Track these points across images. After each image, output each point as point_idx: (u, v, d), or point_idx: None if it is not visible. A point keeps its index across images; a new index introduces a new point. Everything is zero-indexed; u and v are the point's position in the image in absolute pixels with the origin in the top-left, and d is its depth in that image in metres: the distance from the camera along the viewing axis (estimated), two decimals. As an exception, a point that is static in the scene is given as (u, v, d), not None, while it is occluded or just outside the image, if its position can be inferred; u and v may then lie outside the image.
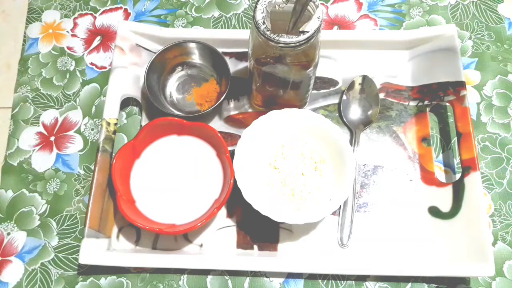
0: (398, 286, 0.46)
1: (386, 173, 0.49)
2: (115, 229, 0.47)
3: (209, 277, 0.46)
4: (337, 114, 0.52)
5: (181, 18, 0.59)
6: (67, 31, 0.59)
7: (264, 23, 0.38)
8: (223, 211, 0.48)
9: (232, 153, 0.46)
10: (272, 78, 0.44)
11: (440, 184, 0.48)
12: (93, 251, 0.44)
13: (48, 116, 0.54)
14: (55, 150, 0.52)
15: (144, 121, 0.53)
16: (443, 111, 0.52)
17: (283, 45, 0.38)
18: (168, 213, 0.46)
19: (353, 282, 0.46)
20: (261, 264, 0.44)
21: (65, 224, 0.49)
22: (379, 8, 0.59)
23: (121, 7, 0.60)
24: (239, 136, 0.47)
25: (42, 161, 0.52)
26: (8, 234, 0.49)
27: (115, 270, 0.47)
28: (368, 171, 0.50)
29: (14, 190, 0.51)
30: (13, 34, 0.61)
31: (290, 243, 0.47)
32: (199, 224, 0.42)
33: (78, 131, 0.53)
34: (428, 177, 0.49)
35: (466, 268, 0.42)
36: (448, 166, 0.50)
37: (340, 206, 0.47)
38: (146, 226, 0.43)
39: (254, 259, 0.45)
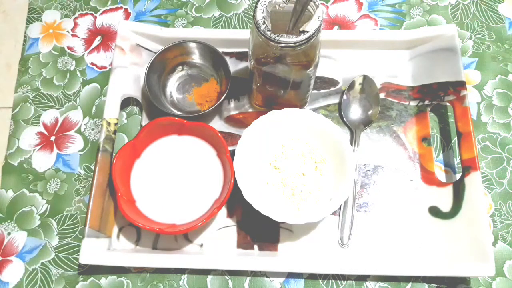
0: (398, 286, 0.46)
1: (386, 173, 0.49)
2: (115, 229, 0.47)
3: (210, 277, 0.46)
4: (338, 114, 0.52)
5: (181, 18, 0.59)
6: (68, 31, 0.59)
7: (264, 23, 0.38)
8: (223, 211, 0.48)
9: (232, 153, 0.46)
10: (272, 78, 0.44)
11: (440, 184, 0.48)
12: (93, 251, 0.44)
13: (49, 116, 0.54)
14: (55, 150, 0.52)
15: (145, 121, 0.53)
16: (443, 111, 0.52)
17: (283, 45, 0.38)
18: (169, 213, 0.46)
19: (353, 282, 0.46)
20: (261, 264, 0.44)
21: (66, 224, 0.49)
22: (380, 8, 0.59)
23: (121, 7, 0.60)
24: (240, 136, 0.47)
25: (43, 161, 0.52)
26: (9, 234, 0.49)
27: (116, 270, 0.47)
28: (369, 171, 0.50)
29: (15, 190, 0.51)
30: (14, 34, 0.61)
31: (290, 243, 0.47)
32: (199, 224, 0.42)
33: (79, 131, 0.53)
34: (428, 177, 0.49)
35: (466, 268, 0.42)
36: (448, 166, 0.50)
37: (341, 206, 0.47)
38: (147, 226, 0.43)
39: (254, 259, 0.45)
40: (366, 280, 0.46)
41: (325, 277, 0.46)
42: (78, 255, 0.45)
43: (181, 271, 0.47)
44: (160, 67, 0.52)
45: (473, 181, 0.45)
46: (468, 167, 0.46)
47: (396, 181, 0.49)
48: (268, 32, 0.37)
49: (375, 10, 0.58)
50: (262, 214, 0.43)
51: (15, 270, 0.47)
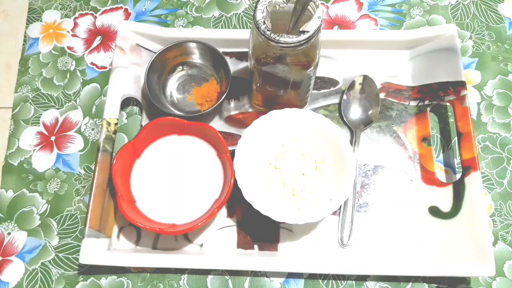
0: (398, 286, 0.46)
1: (386, 173, 0.49)
2: (115, 229, 0.47)
3: (210, 277, 0.46)
4: (338, 114, 0.52)
5: (181, 18, 0.59)
6: (68, 31, 0.59)
7: (264, 23, 0.38)
8: (223, 211, 0.48)
9: (232, 153, 0.46)
10: (272, 78, 0.44)
11: (440, 184, 0.48)
12: (93, 251, 0.44)
13: (49, 116, 0.54)
14: (55, 150, 0.52)
15: (145, 121, 0.53)
16: (443, 111, 0.52)
17: (283, 45, 0.38)
18: (169, 213, 0.46)
19: (354, 282, 0.46)
20: (261, 264, 0.44)
21: (66, 224, 0.49)
22: (380, 8, 0.59)
23: (121, 7, 0.60)
24: (240, 136, 0.47)
25: (43, 161, 0.52)
26: (9, 234, 0.49)
27: (116, 270, 0.47)
28: (369, 171, 0.50)
29: (15, 190, 0.51)
30: (14, 34, 0.61)
31: (290, 243, 0.47)
32: (199, 224, 0.42)
33: (79, 131, 0.53)
34: (428, 177, 0.49)
35: (466, 268, 0.42)
36: (448, 166, 0.50)
37: (341, 206, 0.47)
38: (147, 226, 0.43)
39: (254, 259, 0.45)
40: (366, 280, 0.46)
41: (325, 277, 0.46)
42: (78, 255, 0.45)
43: (181, 271, 0.47)
44: (160, 67, 0.52)
45: (473, 181, 0.45)
46: (468, 167, 0.46)
47: (396, 181, 0.49)
48: (268, 32, 0.37)
49: (375, 10, 0.58)
50: (262, 214, 0.43)
51: (15, 270, 0.47)
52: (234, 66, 0.54)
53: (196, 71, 0.54)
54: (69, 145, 0.53)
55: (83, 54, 0.57)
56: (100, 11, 0.60)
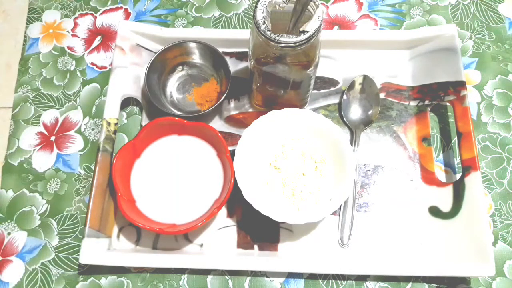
0: (398, 286, 0.46)
1: (386, 173, 0.49)
2: (115, 229, 0.47)
3: (210, 277, 0.46)
4: (338, 114, 0.52)
5: (181, 18, 0.59)
6: (68, 31, 0.59)
7: (264, 23, 0.38)
8: (223, 211, 0.48)
9: (232, 153, 0.46)
10: (272, 78, 0.44)
11: (440, 184, 0.48)
12: (93, 251, 0.44)
13: (49, 116, 0.54)
14: (55, 150, 0.52)
15: (145, 121, 0.53)
16: (443, 111, 0.52)
17: (283, 45, 0.38)
18: (169, 213, 0.46)
19: (354, 282, 0.46)
20: (261, 264, 0.44)
21: (66, 224, 0.49)
22: (380, 8, 0.59)
23: (121, 7, 0.60)
24: (240, 136, 0.47)
25: (43, 161, 0.52)
26: (9, 234, 0.49)
27: (116, 270, 0.47)
28: (369, 171, 0.50)
29: (15, 190, 0.51)
30: (14, 34, 0.61)
31: (290, 243, 0.47)
32: (199, 224, 0.42)
33: (79, 131, 0.53)
34: (428, 177, 0.49)
35: (466, 268, 0.42)
36: (448, 166, 0.50)
37: (341, 206, 0.47)
38: (147, 226, 0.43)
39: (254, 259, 0.45)
40: (366, 280, 0.46)
41: (325, 277, 0.46)
42: (78, 255, 0.45)
43: (181, 271, 0.47)
44: (160, 67, 0.52)
45: (473, 181, 0.45)
46: (468, 167, 0.46)
47: (396, 181, 0.49)
48: (268, 32, 0.37)
49: (375, 10, 0.58)
50: (262, 214, 0.43)
51: (15, 270, 0.47)
52: (234, 66, 0.54)
53: (196, 71, 0.54)
54: (69, 145, 0.53)
55: (83, 54, 0.57)
56: (100, 11, 0.60)
